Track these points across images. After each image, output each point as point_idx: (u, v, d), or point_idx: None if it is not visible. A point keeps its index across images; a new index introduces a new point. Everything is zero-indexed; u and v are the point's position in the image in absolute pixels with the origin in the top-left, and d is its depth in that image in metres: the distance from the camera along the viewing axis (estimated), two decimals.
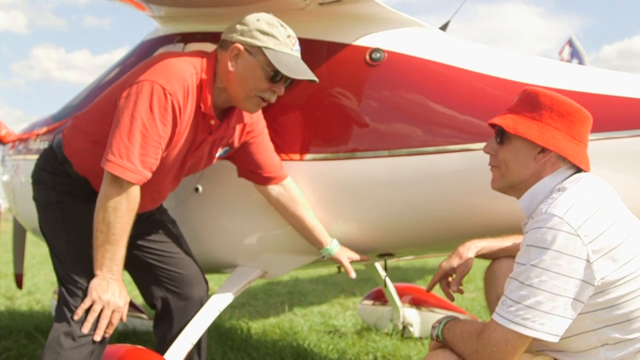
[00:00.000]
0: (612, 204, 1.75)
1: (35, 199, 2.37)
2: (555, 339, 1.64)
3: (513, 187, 1.91)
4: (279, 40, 2.10)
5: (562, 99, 1.85)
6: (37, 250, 9.69)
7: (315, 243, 2.54)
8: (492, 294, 2.06)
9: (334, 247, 2.55)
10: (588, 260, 1.62)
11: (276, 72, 2.10)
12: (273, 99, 2.20)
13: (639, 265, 1.68)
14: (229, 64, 2.12)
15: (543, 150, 1.83)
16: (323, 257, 2.57)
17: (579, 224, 1.64)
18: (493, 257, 2.14)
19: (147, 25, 2.85)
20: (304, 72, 2.13)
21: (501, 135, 1.90)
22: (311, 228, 2.50)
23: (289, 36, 2.13)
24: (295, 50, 2.15)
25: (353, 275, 2.59)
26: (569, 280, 1.62)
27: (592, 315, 1.69)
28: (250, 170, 2.47)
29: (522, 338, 1.64)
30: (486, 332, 1.68)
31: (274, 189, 2.47)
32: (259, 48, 2.09)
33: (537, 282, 1.62)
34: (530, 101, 1.87)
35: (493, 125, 1.93)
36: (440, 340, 1.86)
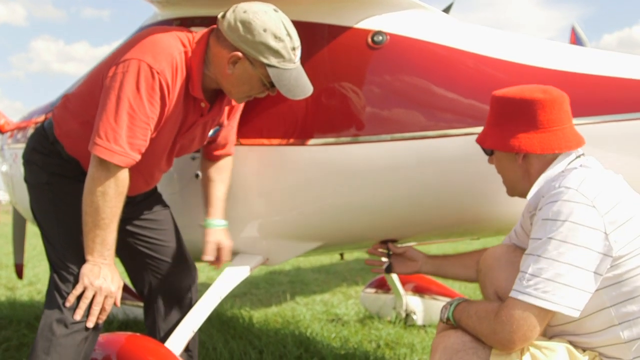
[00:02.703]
0: (616, 184, 1.73)
1: (26, 179, 2.31)
2: (576, 314, 1.58)
3: (517, 190, 1.92)
4: (284, 57, 2.01)
5: (510, 95, 1.84)
6: (38, 242, 9.60)
7: (206, 212, 2.43)
8: (489, 288, 1.98)
9: (214, 223, 2.40)
10: (605, 232, 1.59)
11: (273, 85, 2.06)
12: (263, 95, 2.17)
13: None
14: (227, 67, 2.04)
15: (517, 153, 1.83)
16: (200, 225, 2.44)
17: (594, 195, 1.61)
18: (443, 270, 2.29)
19: (146, 16, 2.82)
20: (301, 90, 2.06)
21: (484, 150, 1.96)
22: (211, 196, 2.42)
23: (293, 48, 2.03)
24: (297, 60, 2.07)
25: (209, 258, 2.37)
26: (588, 252, 1.58)
27: (607, 290, 1.64)
28: (207, 144, 2.41)
29: (542, 313, 1.58)
30: (504, 310, 1.61)
31: (212, 162, 2.45)
32: (262, 62, 2.02)
33: (555, 254, 1.58)
34: (491, 108, 1.91)
35: None
36: (451, 322, 1.81)
